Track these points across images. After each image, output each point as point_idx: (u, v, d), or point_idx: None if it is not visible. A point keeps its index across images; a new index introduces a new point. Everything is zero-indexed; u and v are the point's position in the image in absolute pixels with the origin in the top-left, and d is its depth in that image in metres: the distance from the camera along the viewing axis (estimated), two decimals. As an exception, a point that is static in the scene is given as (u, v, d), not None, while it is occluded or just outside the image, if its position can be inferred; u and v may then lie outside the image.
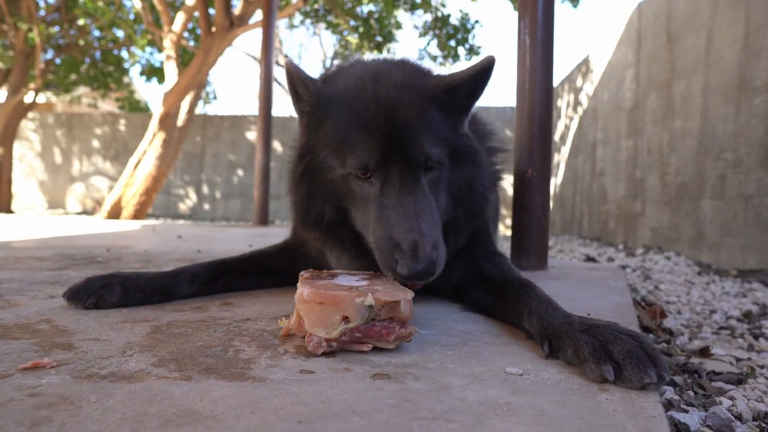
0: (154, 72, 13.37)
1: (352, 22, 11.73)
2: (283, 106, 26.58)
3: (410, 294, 1.15)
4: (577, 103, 10.14)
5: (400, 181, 1.35)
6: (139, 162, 8.61)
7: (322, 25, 13.64)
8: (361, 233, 1.46)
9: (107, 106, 19.31)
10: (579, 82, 10.01)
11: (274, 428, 0.75)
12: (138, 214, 8.48)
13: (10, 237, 3.92)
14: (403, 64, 1.63)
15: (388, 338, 1.11)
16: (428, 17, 11.63)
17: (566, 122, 10.84)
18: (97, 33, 12.91)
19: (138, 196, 8.44)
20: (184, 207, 14.97)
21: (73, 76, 13.73)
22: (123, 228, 5.58)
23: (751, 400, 1.44)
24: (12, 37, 11.41)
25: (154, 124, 8.55)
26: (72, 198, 15.32)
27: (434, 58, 11.93)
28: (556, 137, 11.39)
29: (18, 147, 14.94)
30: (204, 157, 14.87)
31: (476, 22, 11.39)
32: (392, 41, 11.94)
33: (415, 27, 12.09)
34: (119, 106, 15.82)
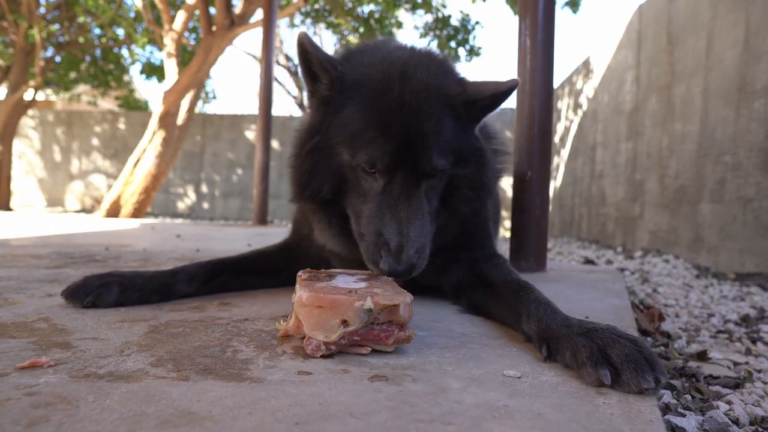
0: (154, 70, 13.36)
1: (353, 23, 11.73)
2: (283, 105, 26.57)
3: (409, 297, 1.15)
4: (577, 105, 10.15)
5: (401, 186, 1.40)
6: (138, 160, 8.61)
7: (323, 25, 13.63)
8: (350, 216, 1.53)
9: (107, 104, 19.29)
10: (579, 84, 10.02)
11: (271, 429, 0.75)
12: (137, 213, 8.48)
13: (8, 235, 3.91)
14: (430, 59, 1.61)
15: (386, 342, 1.11)
16: (429, 18, 11.63)
17: (566, 124, 10.85)
18: (97, 31, 12.90)
19: (137, 195, 8.44)
20: (183, 206, 14.97)
21: (73, 74, 13.73)
22: (122, 226, 5.58)
23: (749, 405, 1.44)
24: (12, 35, 11.41)
25: (153, 122, 8.54)
26: (71, 196, 15.31)
27: (435, 59, 11.92)
28: (556, 139, 11.40)
29: (17, 144, 14.92)
30: (203, 156, 14.86)
31: (477, 23, 11.39)
32: (393, 41, 11.93)
33: (416, 27, 12.09)
34: (119, 105, 15.81)
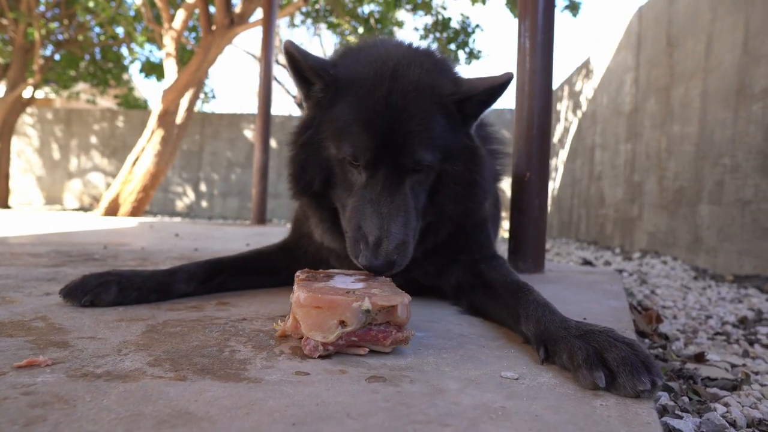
0: (153, 69, 13.35)
1: (353, 23, 11.73)
2: (283, 104, 26.56)
3: (407, 298, 1.15)
4: (576, 106, 10.16)
5: (383, 182, 1.42)
6: (137, 159, 8.60)
7: (323, 25, 13.62)
8: (338, 209, 1.57)
9: (106, 102, 19.27)
10: (578, 85, 10.03)
11: (268, 430, 0.75)
12: (135, 212, 8.47)
13: (6, 233, 3.91)
14: (424, 58, 1.61)
15: (384, 342, 1.11)
16: (429, 20, 11.63)
17: (565, 125, 10.86)
18: (97, 29, 12.89)
19: (135, 194, 8.42)
20: (181, 205, 14.95)
21: (72, 72, 13.70)
22: (120, 225, 5.57)
23: (746, 407, 1.44)
24: (11, 32, 11.39)
25: (152, 121, 8.53)
26: (69, 194, 15.29)
27: (434, 60, 11.92)
28: (555, 140, 11.41)
29: (16, 142, 14.89)
30: (202, 155, 14.85)
31: (477, 26, 11.39)
32: (393, 42, 11.92)
33: (416, 29, 12.08)
34: (118, 103, 15.79)
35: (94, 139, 15.29)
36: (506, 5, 9.82)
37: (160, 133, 8.45)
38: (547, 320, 1.18)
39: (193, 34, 12.52)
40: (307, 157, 1.56)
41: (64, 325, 1.27)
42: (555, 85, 11.53)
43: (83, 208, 14.18)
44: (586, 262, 5.20)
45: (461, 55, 11.57)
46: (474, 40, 11.47)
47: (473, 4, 9.99)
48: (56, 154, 15.37)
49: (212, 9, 8.75)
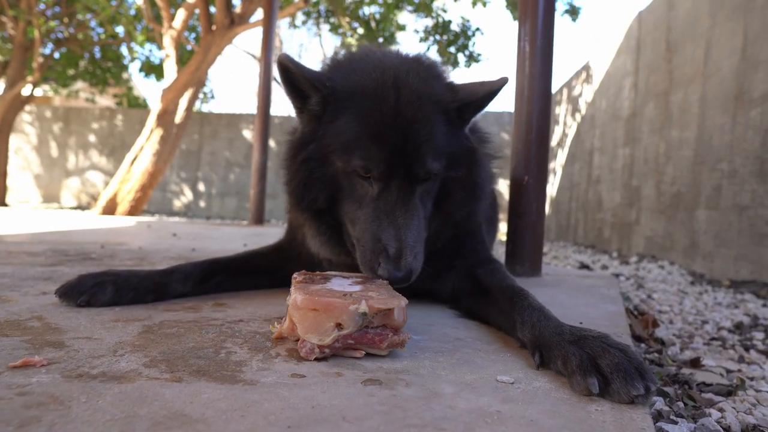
0: (152, 69, 13.34)
1: (354, 24, 11.74)
2: (282, 105, 26.58)
3: (404, 301, 1.15)
4: (575, 110, 10.18)
5: (397, 192, 1.42)
6: (135, 158, 8.59)
7: (324, 26, 13.64)
8: (344, 223, 1.54)
9: (105, 101, 19.25)
10: (577, 89, 10.05)
11: (263, 433, 0.75)
12: (133, 211, 8.46)
13: (3, 231, 3.90)
14: (419, 65, 1.63)
15: (380, 345, 1.11)
16: (429, 22, 11.64)
17: (564, 129, 10.88)
18: (97, 28, 12.87)
19: (134, 193, 8.41)
20: (179, 204, 14.94)
21: (72, 71, 13.68)
22: (118, 224, 5.56)
23: (740, 413, 1.45)
24: (11, 30, 11.37)
25: (151, 120, 8.53)
26: (67, 192, 15.26)
27: (434, 63, 11.93)
28: (553, 143, 11.43)
29: (14, 140, 14.86)
30: (201, 154, 14.84)
31: (477, 29, 11.41)
32: (393, 44, 11.95)
33: (416, 31, 12.10)
34: (117, 102, 15.77)
35: (92, 138, 15.27)
36: (507, 7, 9.84)
37: (158, 133, 8.44)
38: (542, 326, 1.18)
39: (193, 34, 12.52)
40: (310, 173, 1.52)
41: (60, 325, 1.26)
42: (554, 89, 11.57)
43: (81, 207, 14.15)
44: (584, 266, 5.21)
45: (461, 58, 11.58)
46: (474, 43, 11.49)
47: (473, 6, 10.01)
48: (54, 152, 15.35)
49: (213, 9, 8.75)
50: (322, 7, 12.26)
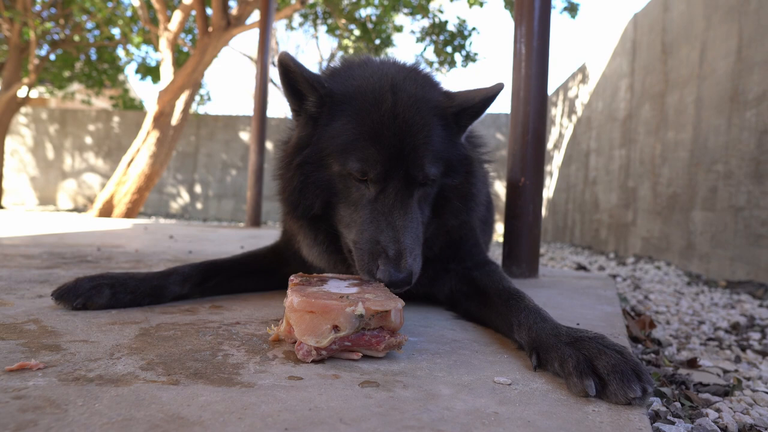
0: (148, 71, 13.32)
1: (351, 26, 11.75)
2: (278, 106, 26.55)
3: (401, 303, 1.15)
4: (571, 111, 10.21)
5: (395, 195, 1.41)
6: (132, 160, 8.57)
7: (321, 28, 13.65)
8: (339, 230, 1.51)
9: (101, 102, 19.20)
10: (574, 90, 10.08)
11: (261, 435, 0.75)
12: (130, 213, 8.43)
13: (-1, 233, 3.88)
14: (415, 74, 1.64)
15: (377, 347, 1.11)
16: (426, 23, 11.67)
17: (560, 130, 10.91)
18: (93, 30, 12.85)
19: (130, 195, 8.39)
20: (176, 206, 14.90)
21: (68, 73, 13.65)
22: (114, 226, 5.55)
23: (737, 413, 1.45)
24: (7, 31, 11.34)
25: (148, 122, 8.51)
26: (63, 194, 15.21)
27: (430, 64, 11.96)
28: (550, 145, 11.46)
29: (10, 142, 14.82)
30: (197, 156, 14.82)
31: (473, 29, 11.43)
32: (390, 45, 11.96)
33: (413, 32, 12.12)
34: (113, 104, 15.74)
35: (88, 140, 15.22)
36: (505, 7, 9.85)
37: (155, 135, 8.43)
38: (539, 328, 1.19)
39: (190, 36, 12.51)
40: (306, 178, 1.49)
41: (56, 328, 1.26)
42: (550, 91, 11.61)
43: (77, 209, 14.10)
44: (580, 267, 5.22)
45: (458, 57, 11.60)
46: (471, 43, 11.50)
47: (470, 7, 10.03)
48: (50, 154, 15.30)
49: (209, 11, 8.74)
50: (318, 9, 12.27)
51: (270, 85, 7.19)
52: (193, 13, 8.90)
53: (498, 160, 13.88)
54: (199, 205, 14.80)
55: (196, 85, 8.94)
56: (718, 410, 1.45)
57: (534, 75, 2.61)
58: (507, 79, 2.63)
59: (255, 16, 8.60)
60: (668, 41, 6.15)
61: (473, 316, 1.58)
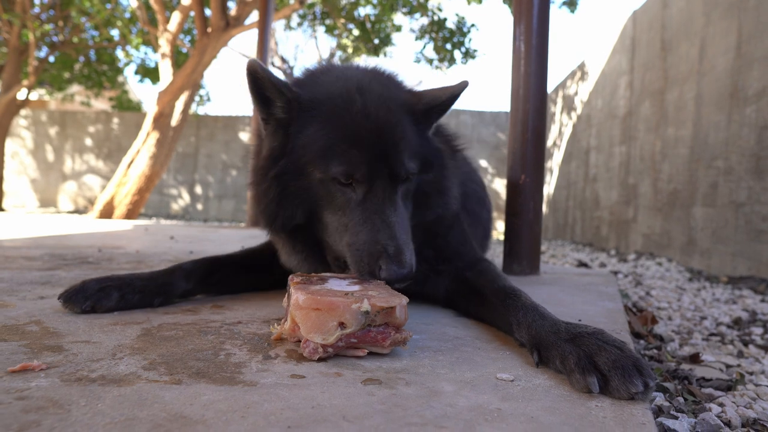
0: (148, 73, 13.32)
1: (349, 25, 11.74)
2: (278, 107, 26.46)
3: (405, 299, 1.15)
4: (571, 109, 10.20)
5: (383, 192, 1.41)
6: (132, 161, 8.57)
7: (319, 28, 13.63)
8: (324, 239, 1.50)
9: (100, 104, 19.19)
10: (573, 88, 10.07)
11: (264, 433, 0.75)
12: (130, 214, 8.44)
13: (0, 236, 3.88)
14: (380, 75, 1.66)
15: (383, 343, 1.11)
16: (425, 21, 11.65)
17: (560, 128, 10.91)
18: (91, 31, 12.85)
19: (131, 196, 8.39)
20: (176, 207, 14.91)
21: (67, 74, 13.65)
22: (115, 228, 5.55)
23: (740, 407, 1.45)
24: (6, 34, 11.34)
25: (148, 123, 8.51)
26: (64, 196, 15.22)
27: (430, 61, 11.95)
28: (550, 143, 11.45)
29: (10, 144, 14.82)
30: (197, 157, 14.82)
31: (472, 25, 11.41)
32: (389, 44, 11.95)
33: (412, 30, 12.11)
34: (112, 106, 15.74)
35: (88, 141, 15.23)
36: (504, 2, 9.83)
37: (155, 136, 8.43)
38: (538, 325, 1.18)
39: (189, 37, 12.51)
40: (284, 188, 1.47)
41: (58, 329, 1.26)
42: (550, 89, 11.59)
43: (78, 211, 14.11)
44: (582, 264, 5.22)
45: (457, 54, 11.59)
46: (470, 40, 11.49)
47: (469, 4, 10.00)
48: (50, 156, 15.30)
49: (208, 11, 8.74)
50: (317, 9, 12.26)
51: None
52: (192, 14, 8.89)
53: (495, 157, 13.89)
54: (199, 206, 14.80)
55: (195, 86, 8.94)
56: (721, 405, 1.45)
57: (533, 73, 2.61)
58: (506, 77, 2.62)
59: (254, 16, 8.60)
60: (667, 38, 6.14)
61: (472, 315, 1.58)
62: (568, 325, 1.14)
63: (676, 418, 1.29)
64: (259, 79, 1.45)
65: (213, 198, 14.74)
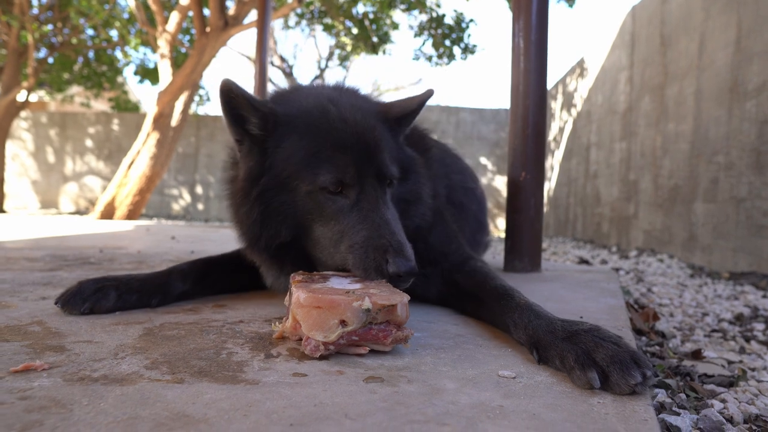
0: (147, 73, 13.31)
1: (348, 23, 11.72)
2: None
3: (406, 297, 1.15)
4: (571, 105, 10.19)
5: (374, 193, 1.41)
6: (132, 162, 8.57)
7: (318, 26, 13.61)
8: (315, 254, 1.46)
9: (100, 105, 19.20)
10: (573, 84, 10.06)
11: (266, 431, 0.75)
12: (131, 215, 8.44)
13: (1, 237, 3.89)
14: (346, 89, 1.70)
15: (385, 341, 1.11)
16: (423, 17, 11.63)
17: (560, 124, 10.89)
18: (90, 32, 12.84)
19: (131, 197, 8.40)
20: (177, 207, 14.91)
21: (66, 75, 13.65)
22: (116, 228, 5.55)
23: (743, 403, 1.45)
24: (4, 35, 11.33)
25: (148, 124, 8.51)
26: (65, 198, 15.23)
27: (429, 58, 11.93)
28: (550, 139, 11.44)
29: (10, 146, 14.82)
30: (198, 157, 14.82)
31: (471, 21, 11.38)
32: (388, 42, 11.93)
33: (410, 27, 12.08)
34: (112, 106, 15.74)
35: (89, 143, 15.23)
36: (503, -4, 9.78)
37: (155, 136, 8.43)
38: (534, 326, 1.18)
39: (187, 37, 12.49)
40: (266, 207, 1.43)
41: (60, 329, 1.26)
42: (550, 85, 11.55)
43: (79, 212, 14.12)
44: (583, 261, 5.22)
45: (456, 50, 11.56)
46: (469, 36, 11.46)
47: (467, 0, 9.98)
48: (51, 158, 15.31)
49: (206, 11, 8.73)
50: (315, 8, 12.25)
51: (269, 85, 7.18)
52: (191, 13, 8.89)
53: (495, 154, 13.88)
54: (200, 206, 14.80)
55: (194, 86, 8.93)
56: (723, 401, 1.45)
57: (533, 69, 2.61)
58: (506, 74, 2.62)
59: (252, 15, 8.59)
60: (667, 33, 6.13)
61: (469, 314, 1.58)
62: (564, 323, 1.14)
63: (679, 414, 1.29)
64: (233, 98, 1.42)
65: (214, 198, 14.74)
